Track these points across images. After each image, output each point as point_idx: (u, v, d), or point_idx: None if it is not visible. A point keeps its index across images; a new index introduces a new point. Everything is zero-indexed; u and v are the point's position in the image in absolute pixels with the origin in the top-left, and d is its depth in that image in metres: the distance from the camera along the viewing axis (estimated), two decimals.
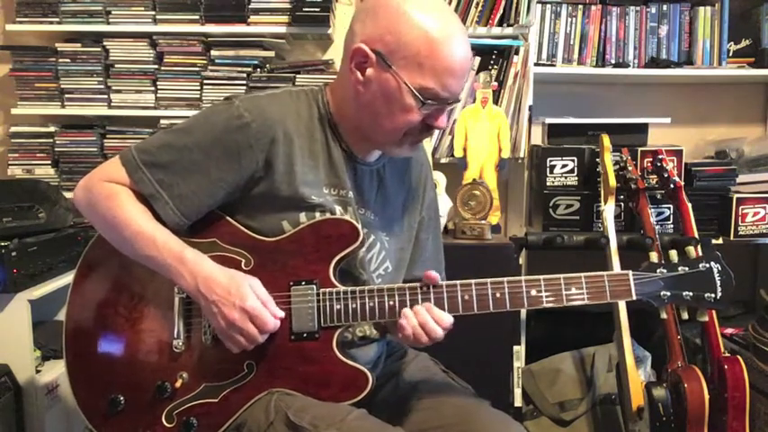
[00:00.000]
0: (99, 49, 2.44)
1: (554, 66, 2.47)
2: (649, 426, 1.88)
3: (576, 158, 2.29)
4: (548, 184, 2.30)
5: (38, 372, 1.92)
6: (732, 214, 2.25)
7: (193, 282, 1.12)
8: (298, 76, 2.43)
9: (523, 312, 2.25)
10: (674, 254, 1.19)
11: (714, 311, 1.86)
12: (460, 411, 1.19)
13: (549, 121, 2.39)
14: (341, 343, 1.18)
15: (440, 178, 2.29)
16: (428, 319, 1.12)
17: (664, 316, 1.19)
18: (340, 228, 1.18)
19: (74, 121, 2.51)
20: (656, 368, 2.22)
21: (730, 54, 2.52)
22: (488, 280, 1.15)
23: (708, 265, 1.16)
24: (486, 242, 2.16)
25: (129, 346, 1.20)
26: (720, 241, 2.27)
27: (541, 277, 1.15)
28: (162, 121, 2.45)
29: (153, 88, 2.46)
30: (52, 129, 2.48)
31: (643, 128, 2.38)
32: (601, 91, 2.67)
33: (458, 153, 2.30)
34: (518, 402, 2.18)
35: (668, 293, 1.16)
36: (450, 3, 2.34)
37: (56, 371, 1.96)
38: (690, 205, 2.03)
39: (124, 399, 1.18)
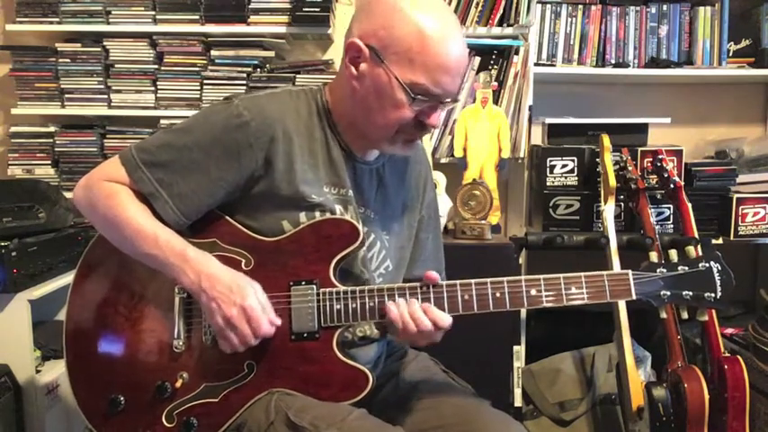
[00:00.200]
0: (99, 49, 2.44)
1: (554, 66, 2.47)
2: (649, 426, 1.88)
3: (575, 158, 2.29)
4: (548, 184, 2.30)
5: (38, 372, 1.92)
6: (732, 214, 2.25)
7: (196, 278, 1.12)
8: (298, 76, 2.43)
9: (523, 312, 2.25)
10: (673, 254, 1.19)
11: (714, 311, 1.86)
12: (460, 411, 1.19)
13: (549, 121, 2.39)
14: (341, 343, 1.18)
15: (440, 178, 2.29)
16: (415, 309, 1.12)
17: (663, 316, 1.19)
18: (340, 228, 1.18)
19: (74, 121, 2.51)
20: (656, 368, 2.22)
21: (730, 54, 2.52)
22: (488, 280, 1.15)
23: (707, 265, 1.16)
24: (486, 242, 2.16)
25: (129, 346, 1.20)
26: (720, 241, 2.27)
27: (541, 277, 1.15)
28: (162, 121, 2.45)
29: (153, 88, 2.46)
30: (52, 129, 2.48)
31: (643, 128, 2.38)
32: (601, 91, 2.67)
33: (458, 153, 2.30)
34: (518, 402, 2.18)
35: (668, 293, 1.16)
36: (449, 3, 2.34)
37: (56, 371, 1.96)
38: (690, 205, 2.03)
39: (124, 399, 1.18)
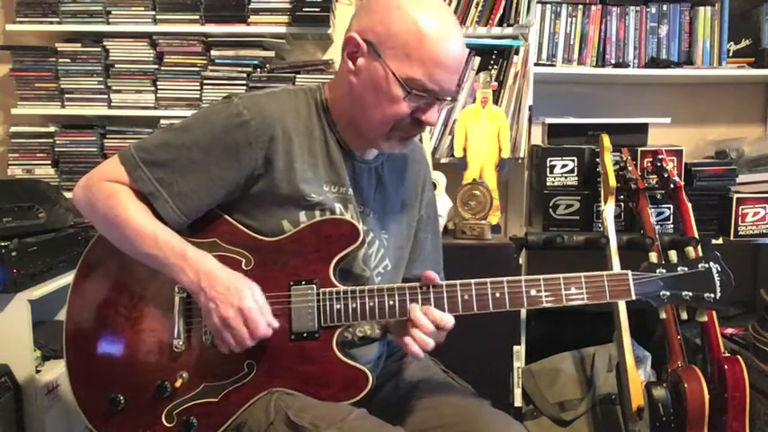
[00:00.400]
0: (99, 49, 2.44)
1: (554, 66, 2.47)
2: (649, 426, 1.88)
3: (575, 158, 2.29)
4: (548, 184, 2.30)
5: (38, 372, 1.92)
6: (732, 214, 2.25)
7: (196, 277, 1.12)
8: (298, 76, 2.44)
9: (523, 312, 2.25)
10: (673, 254, 1.19)
11: (714, 311, 1.86)
12: (460, 411, 1.19)
13: (549, 121, 2.39)
14: (341, 343, 1.18)
15: (440, 178, 2.29)
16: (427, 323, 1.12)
17: (663, 316, 1.19)
18: (340, 228, 1.18)
19: (74, 121, 2.51)
20: (656, 368, 2.22)
21: (730, 54, 2.52)
22: (488, 280, 1.15)
23: (707, 266, 1.16)
24: (486, 242, 2.16)
25: (129, 346, 1.20)
26: (720, 241, 2.27)
27: (541, 277, 1.15)
28: (162, 121, 2.45)
29: (153, 88, 2.46)
30: (52, 129, 2.48)
31: (643, 128, 2.38)
32: (601, 91, 2.67)
33: (458, 153, 2.30)
34: (518, 402, 2.18)
35: (668, 293, 1.16)
36: (450, 3, 2.34)
37: (56, 371, 1.96)
38: (690, 205, 2.03)
39: (124, 398, 1.18)
